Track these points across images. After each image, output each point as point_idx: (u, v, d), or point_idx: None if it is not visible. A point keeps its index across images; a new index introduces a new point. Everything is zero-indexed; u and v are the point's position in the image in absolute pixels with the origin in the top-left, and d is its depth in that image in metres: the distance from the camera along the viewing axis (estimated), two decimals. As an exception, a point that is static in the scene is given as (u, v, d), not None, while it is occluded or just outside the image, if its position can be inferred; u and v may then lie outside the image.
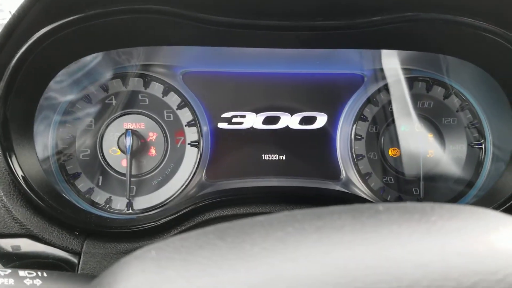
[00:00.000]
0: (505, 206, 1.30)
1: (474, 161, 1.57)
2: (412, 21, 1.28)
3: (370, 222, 0.57)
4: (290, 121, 1.61)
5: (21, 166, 1.21)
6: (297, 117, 1.61)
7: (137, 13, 1.23)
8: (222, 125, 1.59)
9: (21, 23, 1.12)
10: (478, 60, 1.42)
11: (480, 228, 0.56)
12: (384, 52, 1.55)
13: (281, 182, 1.60)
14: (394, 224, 0.55)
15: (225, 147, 1.59)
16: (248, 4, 1.25)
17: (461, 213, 0.60)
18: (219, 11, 1.25)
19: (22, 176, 1.20)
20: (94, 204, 1.47)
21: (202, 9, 1.24)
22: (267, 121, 1.60)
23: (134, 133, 1.47)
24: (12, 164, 1.19)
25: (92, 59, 1.44)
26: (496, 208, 1.30)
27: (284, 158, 1.61)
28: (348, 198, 1.47)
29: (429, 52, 1.49)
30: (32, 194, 1.20)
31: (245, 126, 1.59)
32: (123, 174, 1.49)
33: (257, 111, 1.60)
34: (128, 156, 1.44)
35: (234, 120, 1.59)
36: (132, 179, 1.49)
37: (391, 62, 1.59)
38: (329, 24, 1.29)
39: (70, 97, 1.48)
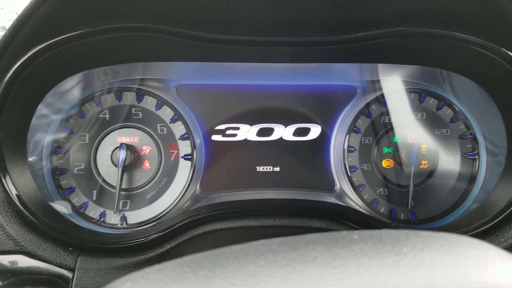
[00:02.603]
0: (498, 219, 1.29)
1: (468, 173, 1.57)
2: (403, 36, 1.29)
3: (342, 253, 0.57)
4: (284, 132, 1.62)
5: (14, 184, 1.22)
6: (291, 128, 1.62)
7: (129, 31, 1.25)
8: (216, 137, 1.59)
9: (13, 42, 1.14)
10: (469, 73, 1.42)
11: (452, 259, 0.56)
12: (378, 64, 1.56)
13: (276, 194, 1.60)
14: (365, 256, 0.56)
15: (219, 160, 1.60)
16: (240, 21, 1.26)
17: (434, 243, 0.60)
18: (211, 29, 1.26)
19: (16, 194, 1.21)
20: (88, 218, 1.49)
21: (196, 26, 1.25)
22: (261, 132, 1.61)
23: (127, 147, 1.48)
24: (6, 183, 1.20)
25: (86, 74, 1.45)
26: (489, 221, 1.30)
27: (278, 169, 1.62)
28: (342, 211, 1.46)
29: (421, 66, 1.49)
30: (26, 212, 1.21)
31: (239, 138, 1.60)
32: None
33: (251, 123, 1.60)
34: (120, 170, 1.45)
35: (228, 132, 1.60)
36: (125, 193, 1.51)
37: (385, 73, 1.60)
38: (320, 39, 1.30)
39: (63, 112, 1.49)
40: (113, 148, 1.50)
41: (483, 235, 1.30)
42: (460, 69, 1.43)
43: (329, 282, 0.51)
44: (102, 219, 1.49)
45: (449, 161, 1.58)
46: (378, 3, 1.21)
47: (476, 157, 1.57)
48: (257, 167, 1.61)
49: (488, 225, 1.29)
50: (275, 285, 0.52)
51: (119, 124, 1.53)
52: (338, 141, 1.62)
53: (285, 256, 0.58)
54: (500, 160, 1.43)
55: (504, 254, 0.60)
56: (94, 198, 1.50)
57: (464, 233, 1.30)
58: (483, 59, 1.29)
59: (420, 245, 0.59)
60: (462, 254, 0.57)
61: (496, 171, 1.44)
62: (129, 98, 1.54)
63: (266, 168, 1.61)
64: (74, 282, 1.23)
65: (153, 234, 1.31)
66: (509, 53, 1.25)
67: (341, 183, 1.61)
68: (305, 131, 1.62)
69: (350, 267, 0.54)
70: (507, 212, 1.28)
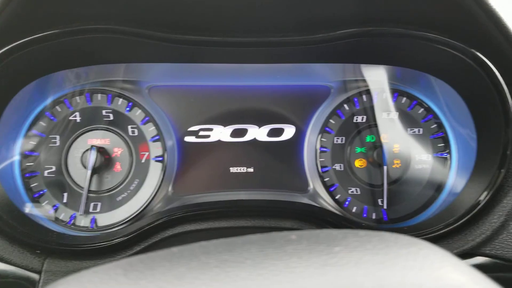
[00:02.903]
0: (466, 218, 1.29)
1: (440, 172, 1.57)
2: (371, 35, 1.30)
3: (273, 254, 0.57)
4: (258, 133, 1.61)
5: (-21, 187, 1.22)
6: (265, 129, 1.62)
7: (99, 33, 1.25)
8: (189, 139, 1.59)
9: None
10: (438, 72, 1.43)
11: (381, 258, 0.56)
12: (351, 64, 1.56)
13: (249, 195, 1.60)
14: (295, 257, 0.56)
15: (192, 161, 1.60)
16: (212, 22, 1.26)
17: (369, 242, 0.60)
18: (185, 30, 1.26)
19: (-20, 197, 1.21)
20: (58, 221, 1.48)
21: (168, 28, 1.25)
22: (234, 133, 1.60)
23: (98, 149, 1.47)
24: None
25: (56, 76, 1.45)
26: (457, 220, 1.30)
27: (252, 170, 1.61)
28: (312, 211, 1.46)
29: (391, 65, 1.50)
30: (-9, 215, 1.21)
31: (212, 139, 1.60)
32: (89, 191, 1.50)
33: (224, 123, 1.60)
34: (89, 172, 1.45)
35: (201, 133, 1.60)
36: (96, 195, 1.50)
37: (357, 73, 1.60)
38: (292, 39, 1.30)
39: (33, 115, 1.48)
40: (84, 150, 1.49)
41: (451, 234, 1.30)
42: (429, 68, 1.44)
43: (252, 282, 0.51)
44: (72, 222, 1.48)
45: (421, 161, 1.58)
46: (346, 3, 1.22)
47: (448, 156, 1.57)
48: (231, 168, 1.61)
49: (456, 224, 1.29)
50: (198, 286, 0.51)
51: (90, 126, 1.52)
52: (311, 142, 1.62)
53: (218, 257, 0.57)
54: (469, 160, 1.43)
55: (439, 252, 0.60)
56: (65, 200, 1.49)
57: (433, 232, 1.31)
58: (449, 57, 1.30)
59: (354, 244, 0.59)
60: (394, 253, 0.57)
61: (465, 170, 1.44)
62: (99, 100, 1.53)
63: (240, 169, 1.61)
64: (40, 284, 1.23)
65: (122, 236, 1.31)
66: (474, 51, 1.26)
67: (314, 183, 1.61)
68: (279, 132, 1.62)
69: (277, 268, 0.54)
70: (474, 211, 1.28)
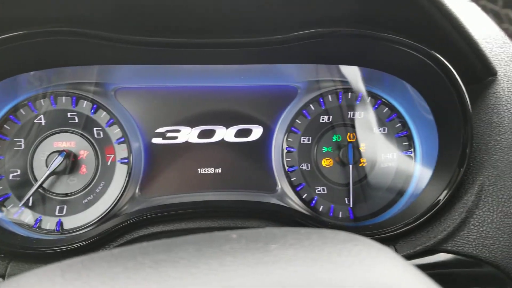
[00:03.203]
0: (427, 216, 1.31)
1: (404, 170, 1.59)
2: (334, 36, 1.31)
3: (210, 253, 0.58)
4: (225, 134, 1.62)
5: None
6: (233, 130, 1.62)
7: (60, 35, 1.25)
8: (156, 140, 1.59)
9: None
10: (400, 73, 1.45)
11: (315, 254, 0.57)
12: (317, 65, 1.58)
13: (217, 196, 1.60)
14: (229, 256, 0.57)
15: (160, 163, 1.60)
16: (176, 24, 1.26)
17: (307, 239, 0.61)
18: (152, 32, 1.26)
19: None
20: (23, 225, 1.47)
21: (136, 31, 1.25)
22: (202, 134, 1.60)
23: (67, 155, 1.47)
24: None
25: (21, 78, 1.44)
26: (419, 217, 1.32)
27: (220, 171, 1.62)
28: (278, 211, 1.47)
29: (356, 66, 1.52)
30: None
31: (180, 140, 1.59)
32: (54, 194, 1.49)
33: (192, 125, 1.60)
34: (48, 172, 1.44)
35: (168, 135, 1.59)
36: (62, 198, 1.50)
37: (323, 74, 1.62)
38: (256, 40, 1.31)
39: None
40: (49, 153, 1.48)
41: (413, 232, 1.32)
42: (390, 69, 1.46)
43: (182, 282, 0.52)
44: (37, 225, 1.47)
45: (387, 159, 1.60)
46: (310, 4, 1.23)
47: (412, 154, 1.59)
48: (199, 169, 1.61)
49: (416, 223, 1.31)
50: (129, 286, 0.52)
51: (56, 129, 1.51)
52: (279, 142, 1.63)
53: (154, 257, 0.58)
54: (432, 158, 1.45)
55: (375, 248, 0.61)
56: (30, 204, 1.48)
57: (395, 230, 1.32)
58: (409, 58, 1.32)
59: (291, 242, 0.60)
60: (329, 249, 0.58)
61: (429, 168, 1.46)
62: (64, 102, 1.52)
63: (208, 170, 1.61)
64: (3, 289, 1.22)
65: (87, 239, 1.30)
66: (432, 51, 1.28)
67: (282, 183, 1.62)
68: (247, 132, 1.63)
69: (210, 267, 0.54)
70: (434, 210, 1.31)
